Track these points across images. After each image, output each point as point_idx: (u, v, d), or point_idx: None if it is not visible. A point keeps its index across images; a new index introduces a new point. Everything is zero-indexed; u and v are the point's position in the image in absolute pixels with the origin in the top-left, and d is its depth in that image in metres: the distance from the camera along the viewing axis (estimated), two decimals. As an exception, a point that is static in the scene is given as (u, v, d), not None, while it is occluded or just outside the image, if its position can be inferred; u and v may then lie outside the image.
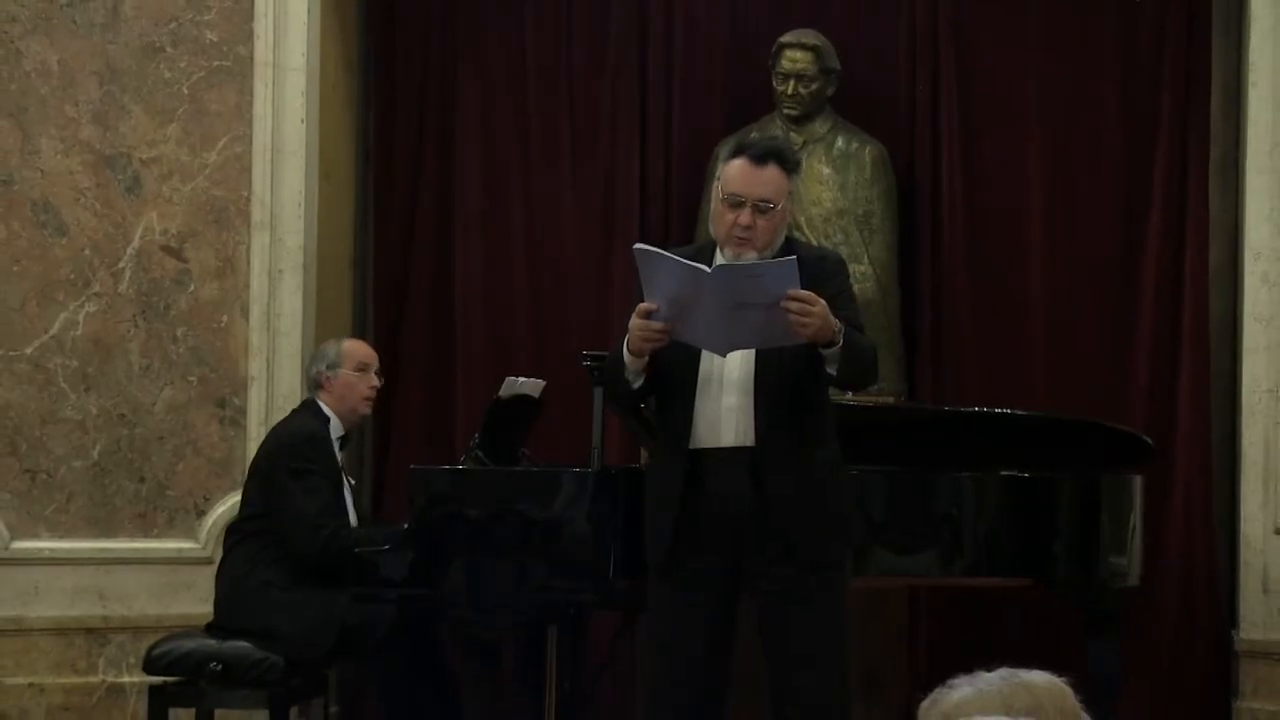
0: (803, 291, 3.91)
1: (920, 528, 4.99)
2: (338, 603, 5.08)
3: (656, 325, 3.98)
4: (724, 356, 4.06)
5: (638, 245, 4.05)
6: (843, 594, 4.21)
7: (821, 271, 4.12)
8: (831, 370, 4.04)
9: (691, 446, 4.11)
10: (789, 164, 4.16)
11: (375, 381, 5.53)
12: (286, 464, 5.23)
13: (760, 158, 4.11)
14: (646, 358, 4.06)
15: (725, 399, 4.10)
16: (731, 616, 4.19)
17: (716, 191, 4.15)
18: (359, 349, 5.59)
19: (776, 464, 4.07)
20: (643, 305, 4.00)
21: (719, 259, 4.10)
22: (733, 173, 4.11)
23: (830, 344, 3.98)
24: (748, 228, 4.07)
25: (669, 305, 3.95)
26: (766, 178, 4.09)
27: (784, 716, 4.16)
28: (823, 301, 3.94)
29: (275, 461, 5.28)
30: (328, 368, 5.45)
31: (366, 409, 5.55)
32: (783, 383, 4.06)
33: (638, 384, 4.13)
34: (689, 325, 3.97)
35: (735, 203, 4.08)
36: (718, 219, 4.13)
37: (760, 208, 4.07)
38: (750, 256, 4.07)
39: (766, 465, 4.07)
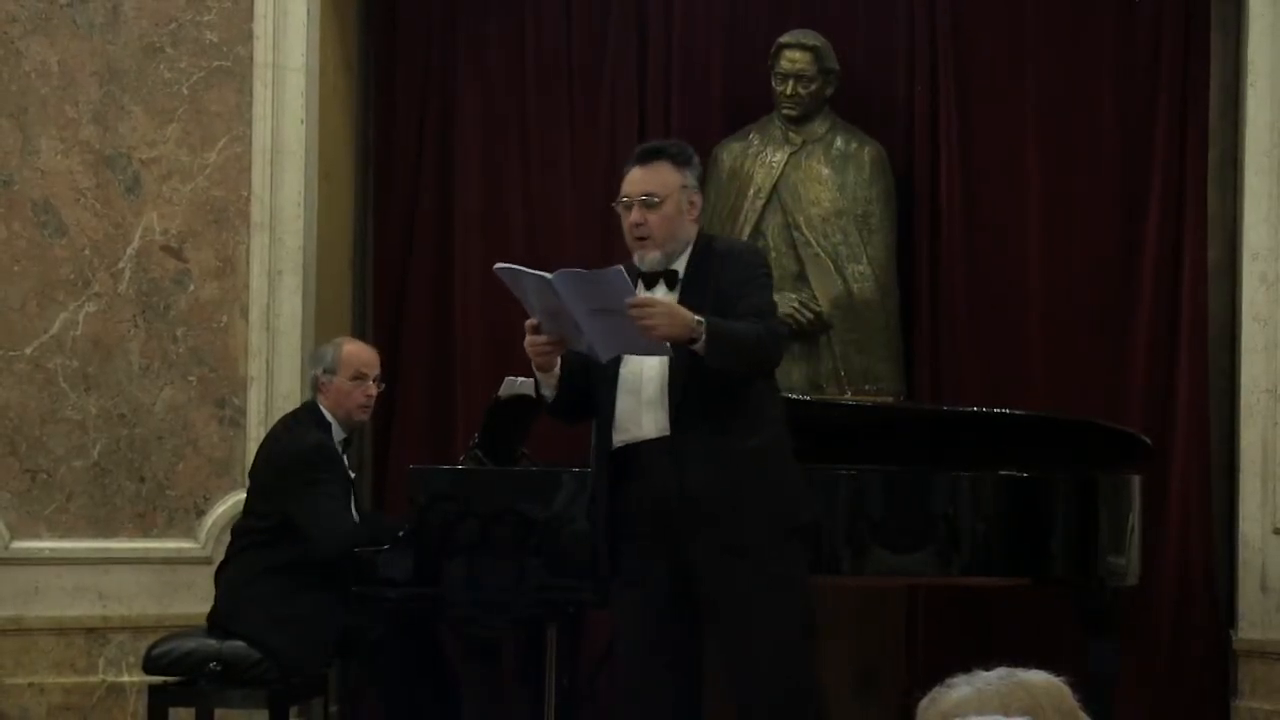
0: (639, 296, 4.00)
1: (919, 527, 4.99)
2: (334, 619, 5.08)
3: (541, 339, 4.07)
4: (604, 361, 4.10)
5: (498, 265, 4.13)
6: (795, 591, 4.15)
7: (726, 263, 4.19)
8: (711, 364, 4.03)
9: (616, 443, 4.16)
10: (677, 157, 4.24)
11: (372, 390, 5.38)
12: (302, 475, 5.17)
13: (644, 157, 4.25)
14: (555, 371, 4.14)
15: (644, 393, 4.14)
16: (689, 611, 4.16)
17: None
18: (357, 356, 5.40)
19: (694, 452, 4.08)
20: (528, 322, 4.09)
21: (640, 268, 4.17)
22: (624, 180, 4.24)
23: (692, 340, 3.99)
24: (639, 224, 4.16)
25: (546, 318, 4.04)
26: (651, 174, 4.19)
27: (739, 701, 4.16)
28: (663, 302, 4.01)
29: (287, 475, 5.20)
30: (324, 372, 5.35)
31: (363, 416, 5.44)
32: (693, 372, 4.06)
33: (552, 396, 4.20)
34: (572, 334, 4.05)
35: (626, 206, 4.20)
36: (623, 227, 4.22)
37: (646, 203, 4.16)
38: (653, 255, 4.17)
39: (684, 454, 4.08)
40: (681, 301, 4.10)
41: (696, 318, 3.98)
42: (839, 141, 6.31)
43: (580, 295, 3.95)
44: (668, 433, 4.11)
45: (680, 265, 4.20)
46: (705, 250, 4.23)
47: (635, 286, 4.08)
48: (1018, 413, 5.51)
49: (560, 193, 6.62)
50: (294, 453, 5.25)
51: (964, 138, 6.46)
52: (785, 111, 6.30)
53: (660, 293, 4.15)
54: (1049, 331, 6.42)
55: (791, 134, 6.29)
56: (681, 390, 4.09)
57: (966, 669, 1.90)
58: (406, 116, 6.67)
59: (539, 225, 6.61)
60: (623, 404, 4.16)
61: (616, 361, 4.15)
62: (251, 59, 6.06)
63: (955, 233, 6.43)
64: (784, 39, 6.27)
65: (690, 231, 4.23)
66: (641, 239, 4.17)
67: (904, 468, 5.03)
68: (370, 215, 6.73)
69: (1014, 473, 5.09)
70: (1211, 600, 6.25)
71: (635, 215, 4.17)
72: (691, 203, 4.23)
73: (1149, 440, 5.46)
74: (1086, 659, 5.05)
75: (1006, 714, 1.80)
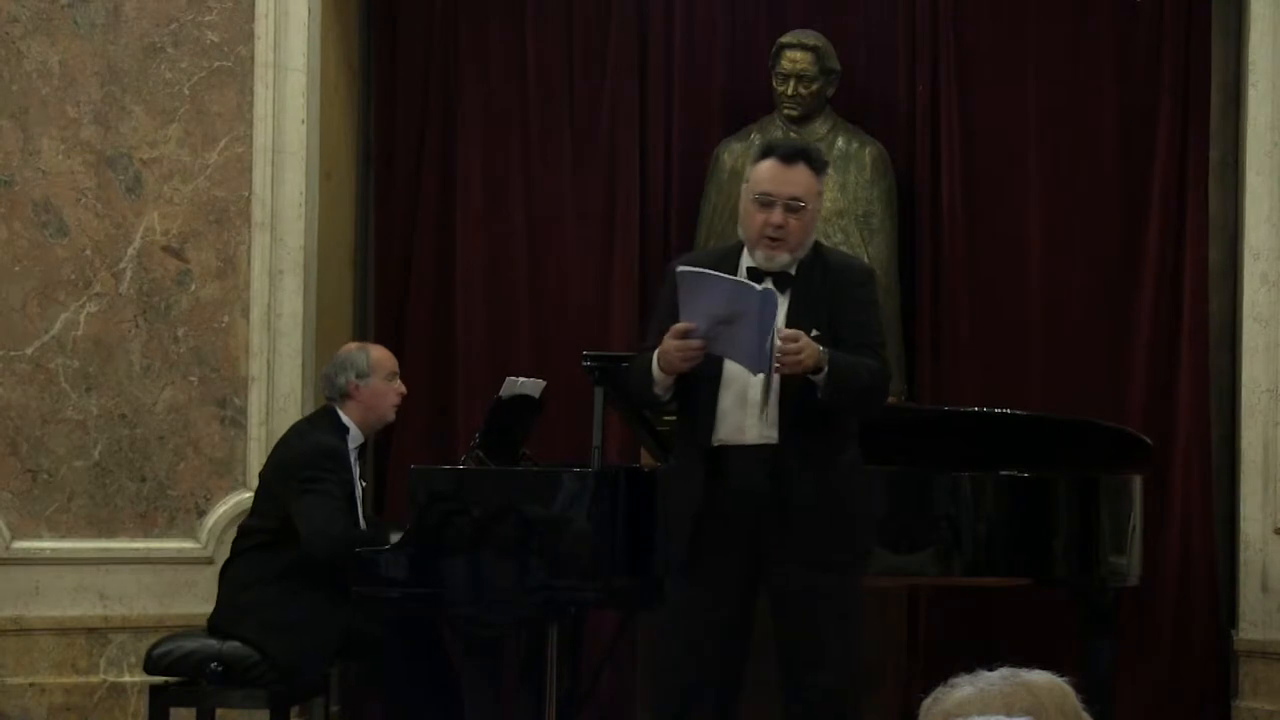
0: (790, 330, 3.97)
1: (920, 527, 4.99)
2: (334, 624, 5.09)
3: (695, 344, 4.01)
4: (756, 375, 4.06)
5: (681, 268, 4.06)
6: (858, 595, 4.25)
7: (841, 280, 4.16)
8: (823, 398, 4.05)
9: (714, 443, 4.12)
10: (817, 164, 4.20)
11: (402, 388, 5.47)
12: (300, 475, 5.18)
13: (789, 157, 4.15)
14: (676, 374, 4.11)
15: (749, 395, 4.11)
16: (749, 617, 4.21)
17: (745, 193, 4.18)
18: (387, 357, 5.48)
19: (797, 463, 4.09)
20: (680, 325, 4.02)
21: (745, 260, 4.13)
22: (763, 173, 4.14)
23: (815, 372, 4.02)
24: (780, 227, 4.10)
25: (708, 323, 3.99)
26: (796, 177, 4.12)
27: (792, 714, 4.17)
28: (810, 341, 3.98)
29: (289, 477, 5.21)
30: (357, 377, 5.35)
31: (393, 415, 5.49)
32: (807, 383, 4.06)
33: (667, 397, 4.18)
34: (725, 341, 4.00)
35: (766, 202, 4.11)
36: (747, 220, 4.16)
37: (791, 206, 4.10)
38: (783, 258, 4.12)
39: (787, 463, 4.08)
40: (793, 308, 4.09)
41: (824, 351, 3.99)
42: (840, 141, 6.31)
43: (733, 298, 3.93)
44: (773, 440, 4.10)
45: (793, 269, 4.18)
46: (816, 258, 4.20)
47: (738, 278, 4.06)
48: (1019, 413, 5.51)
49: (560, 193, 6.62)
50: (298, 453, 5.26)
51: (965, 138, 6.46)
52: (786, 111, 6.30)
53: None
54: (1050, 332, 6.42)
55: (792, 134, 6.29)
56: (794, 401, 4.08)
57: (968, 669, 1.90)
58: (407, 116, 6.67)
59: (539, 225, 6.61)
60: (725, 403, 4.13)
61: (719, 361, 4.11)
62: (252, 59, 6.05)
63: (956, 233, 6.43)
64: (784, 39, 6.27)
65: (812, 238, 4.22)
66: (777, 240, 4.12)
67: (905, 468, 5.03)
68: (370, 215, 6.73)
69: (1015, 473, 5.09)
70: (1212, 600, 6.25)
71: (777, 216, 4.11)
72: (819, 211, 4.23)
73: (1150, 440, 5.46)
74: (1086, 659, 5.04)
75: (1009, 714, 1.80)
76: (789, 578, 4.10)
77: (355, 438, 5.35)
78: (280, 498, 5.21)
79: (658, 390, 4.15)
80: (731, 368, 4.11)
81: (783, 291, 4.14)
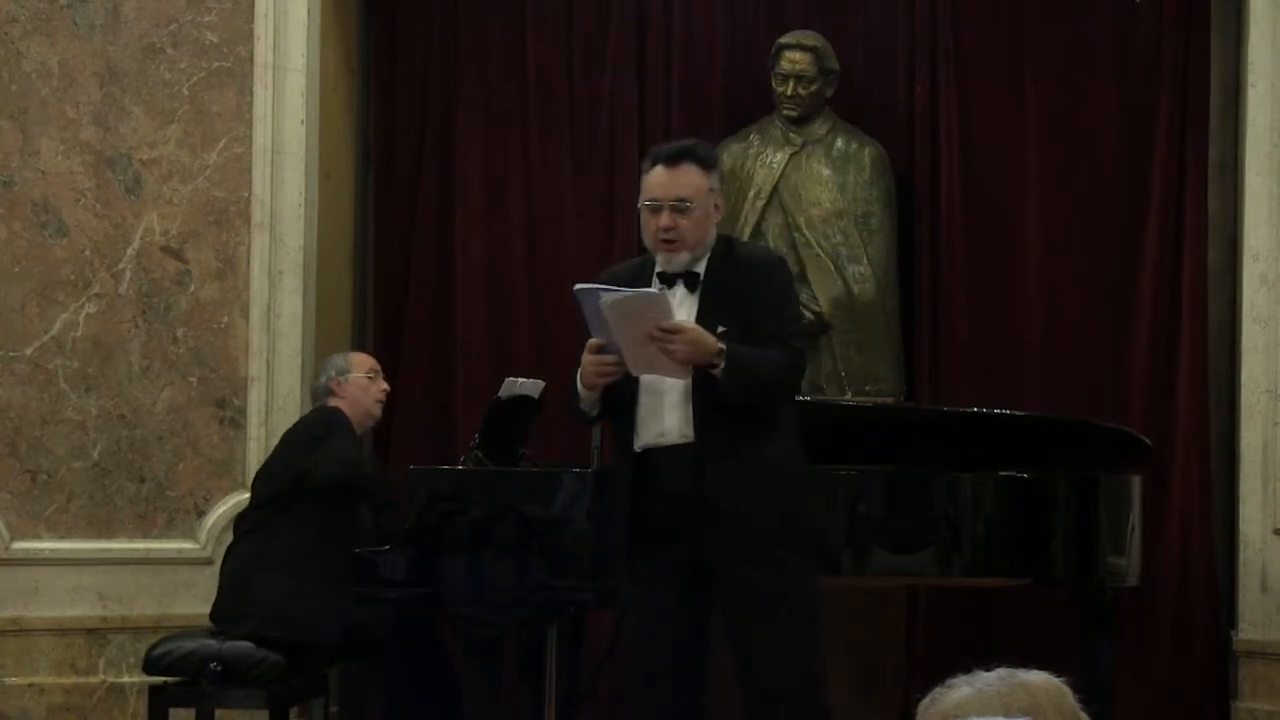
0: (668, 322, 3.99)
1: (919, 527, 4.99)
2: (345, 592, 5.09)
3: (609, 358, 4.07)
4: (634, 376, 4.10)
5: (577, 286, 4.11)
6: (809, 594, 4.19)
7: (751, 274, 4.19)
8: (724, 391, 4.06)
9: (637, 447, 4.16)
10: (704, 161, 4.22)
11: (385, 385, 5.60)
12: (314, 432, 5.31)
13: (672, 159, 4.19)
14: (598, 390, 4.15)
15: (667, 398, 4.15)
16: (700, 615, 4.20)
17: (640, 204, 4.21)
18: (365, 358, 5.67)
19: (716, 459, 4.10)
20: (592, 341, 4.08)
21: (658, 266, 4.17)
22: (650, 179, 4.20)
23: (711, 367, 4.03)
24: (669, 229, 4.14)
25: (617, 336, 4.04)
26: (681, 178, 4.16)
27: (743, 704, 4.18)
28: (691, 330, 4.01)
29: (295, 435, 5.37)
30: (338, 374, 5.49)
31: (379, 411, 5.58)
32: (714, 379, 4.07)
33: (594, 413, 4.23)
34: (639, 358, 4.04)
35: (655, 208, 4.17)
36: (644, 227, 4.23)
37: (677, 207, 4.14)
38: (682, 258, 4.16)
39: (707, 460, 4.10)
40: (702, 307, 4.12)
41: (719, 346, 4.01)
42: (839, 142, 6.31)
43: (624, 312, 3.97)
44: (691, 439, 4.12)
45: (700, 268, 4.20)
46: (725, 253, 4.23)
47: (653, 285, 4.11)
48: (1018, 413, 5.52)
49: (560, 193, 6.62)
50: (308, 421, 5.43)
51: (964, 138, 6.46)
52: (785, 112, 6.30)
53: (680, 294, 4.16)
54: (1049, 332, 6.42)
55: (792, 134, 6.29)
56: (705, 398, 4.09)
57: (967, 669, 1.90)
58: (406, 116, 6.68)
59: (539, 225, 6.62)
60: (645, 408, 4.16)
61: None
62: (252, 59, 6.05)
63: (955, 233, 6.43)
64: (784, 40, 6.28)
65: (713, 235, 4.24)
66: (670, 242, 4.15)
67: (904, 468, 5.03)
68: (370, 215, 6.73)
69: (1014, 473, 5.09)
70: (1212, 601, 6.25)
71: (665, 219, 4.14)
72: (716, 206, 4.24)
73: (1149, 441, 5.46)
74: (1085, 659, 5.04)
75: (1007, 714, 1.80)
76: (728, 575, 4.12)
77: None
78: (287, 462, 5.28)
79: (584, 406, 4.21)
80: (647, 374, 4.15)
81: (692, 291, 4.17)
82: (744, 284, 4.16)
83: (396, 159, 6.69)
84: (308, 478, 5.19)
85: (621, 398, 4.18)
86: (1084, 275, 6.44)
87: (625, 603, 4.34)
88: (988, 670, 1.89)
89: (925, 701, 1.88)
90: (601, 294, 4.03)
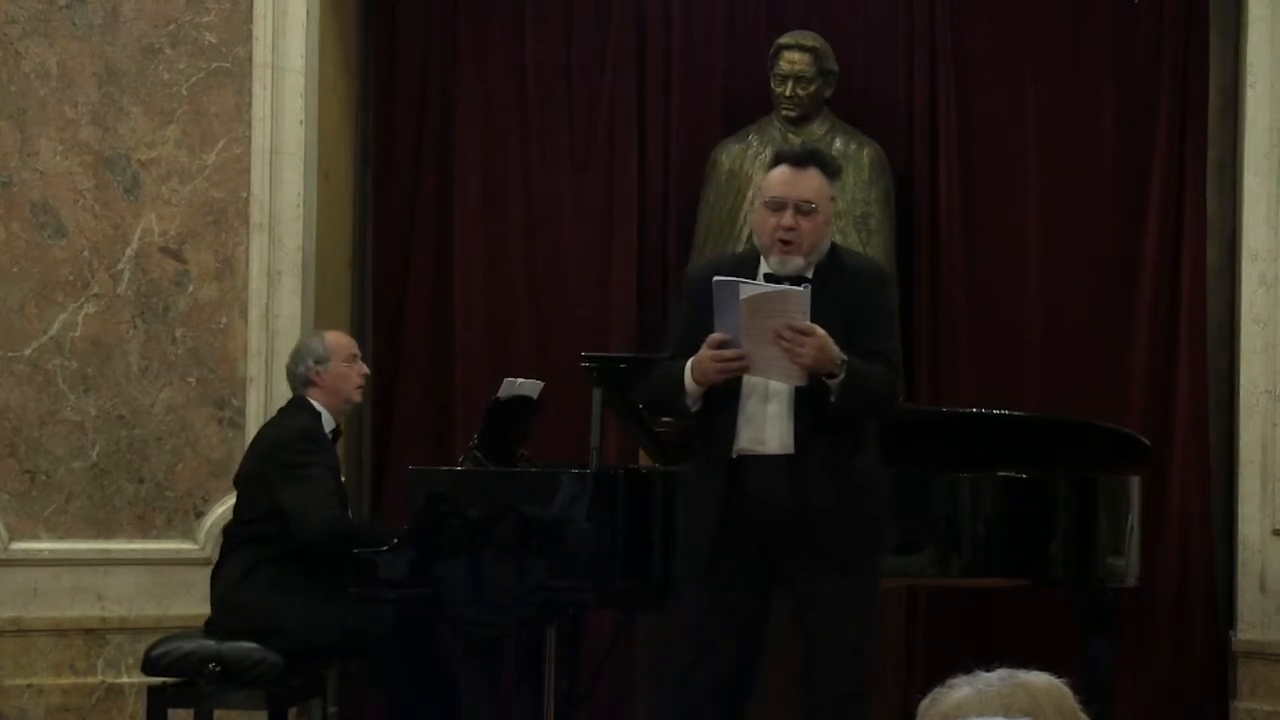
0: (801, 324, 3.95)
1: (919, 528, 4.99)
2: (337, 601, 5.09)
3: (730, 354, 4.02)
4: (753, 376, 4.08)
5: (716, 278, 4.05)
6: (875, 598, 4.27)
7: (856, 283, 4.18)
8: (836, 403, 4.05)
9: (734, 452, 4.14)
10: (829, 168, 4.22)
11: (364, 369, 5.53)
12: (284, 459, 5.21)
13: (800, 161, 4.18)
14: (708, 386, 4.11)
15: (768, 407, 4.12)
16: (766, 622, 4.24)
17: (758, 200, 4.20)
18: (343, 340, 5.56)
19: (815, 471, 4.10)
20: (715, 336, 4.03)
21: (763, 267, 4.14)
22: (774, 178, 4.17)
23: (829, 376, 4.01)
24: (791, 229, 4.10)
25: (744, 333, 4.00)
26: (807, 180, 4.14)
27: (809, 707, 4.20)
28: (820, 334, 3.97)
29: (269, 461, 5.26)
30: (316, 363, 5.41)
31: (359, 396, 5.54)
32: (822, 389, 4.07)
33: (696, 408, 4.17)
34: (762, 360, 4.01)
35: (777, 206, 4.13)
36: (760, 225, 4.19)
37: (802, 209, 4.11)
38: (797, 261, 4.12)
39: (806, 472, 4.10)
40: (811, 311, 4.07)
41: (842, 356, 3.99)
42: (838, 142, 6.31)
43: (758, 308, 3.93)
44: (791, 450, 4.11)
45: (809, 273, 4.18)
46: (833, 260, 4.20)
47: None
48: (1017, 414, 5.52)
49: (559, 192, 6.62)
50: (278, 439, 5.31)
51: (963, 139, 6.46)
52: (784, 113, 6.30)
53: None
54: (1048, 332, 6.42)
55: (791, 135, 6.29)
56: (809, 412, 4.09)
57: (967, 670, 1.90)
58: (406, 117, 6.67)
59: (537, 224, 6.61)
60: (747, 413, 4.14)
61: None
62: (250, 60, 6.05)
63: (954, 234, 6.43)
64: (783, 40, 6.27)
65: (828, 242, 4.23)
66: (789, 244, 4.12)
67: (903, 469, 5.03)
68: (370, 215, 6.73)
69: (1014, 474, 5.09)
70: (1211, 601, 6.25)
71: (788, 219, 4.11)
72: (833, 214, 4.24)
73: (1148, 441, 5.46)
74: (1084, 659, 5.04)
75: (1008, 715, 1.80)
76: (811, 582, 4.13)
77: (328, 422, 5.41)
78: (266, 489, 5.22)
79: (688, 401, 4.14)
80: (751, 378, 4.12)
81: None
82: (851, 292, 4.13)
83: (395, 159, 6.68)
84: (289, 522, 5.15)
85: (722, 399, 4.14)
86: (1083, 275, 6.44)
87: (691, 603, 4.27)
88: (988, 670, 1.89)
89: (925, 702, 1.88)
90: (741, 286, 3.98)
